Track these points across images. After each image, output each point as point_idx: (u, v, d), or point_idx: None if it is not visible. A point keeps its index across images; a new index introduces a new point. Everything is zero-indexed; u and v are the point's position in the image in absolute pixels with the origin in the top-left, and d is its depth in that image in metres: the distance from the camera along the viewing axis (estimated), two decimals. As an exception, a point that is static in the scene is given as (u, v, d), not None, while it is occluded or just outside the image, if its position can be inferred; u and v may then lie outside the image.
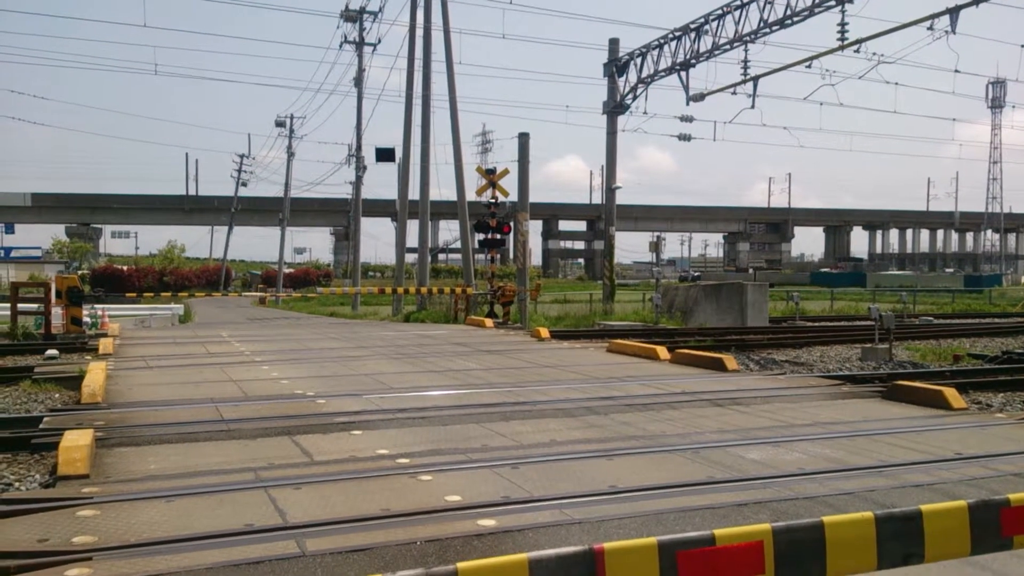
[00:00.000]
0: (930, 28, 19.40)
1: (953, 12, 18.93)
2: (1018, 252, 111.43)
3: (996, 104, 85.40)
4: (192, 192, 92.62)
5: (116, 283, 61.44)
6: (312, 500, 4.62)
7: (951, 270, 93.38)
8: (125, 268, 70.03)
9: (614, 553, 2.21)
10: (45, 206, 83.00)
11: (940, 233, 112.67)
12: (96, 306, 25.61)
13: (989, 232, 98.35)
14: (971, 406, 8.95)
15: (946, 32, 19.20)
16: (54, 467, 5.46)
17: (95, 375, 9.02)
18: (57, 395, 9.75)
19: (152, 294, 37.41)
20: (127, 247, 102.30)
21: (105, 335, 15.89)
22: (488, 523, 4.22)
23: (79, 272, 58.61)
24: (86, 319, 19.47)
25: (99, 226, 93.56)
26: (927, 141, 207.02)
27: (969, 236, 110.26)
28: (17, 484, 5.95)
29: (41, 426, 7.03)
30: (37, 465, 6.35)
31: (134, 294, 39.11)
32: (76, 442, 5.44)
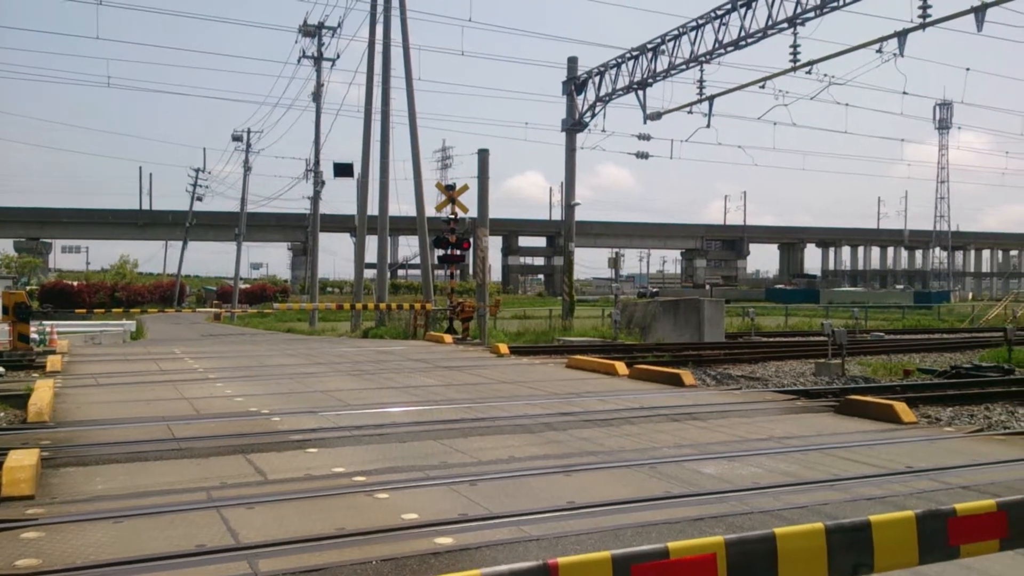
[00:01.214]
0: (879, 51, 19.92)
1: (901, 36, 19.47)
2: (965, 269, 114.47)
3: (943, 125, 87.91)
4: (146, 206, 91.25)
5: (66, 299, 59.99)
6: (266, 520, 4.55)
7: (901, 287, 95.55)
8: (75, 284, 68.42)
9: (568, 568, 2.21)
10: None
11: (891, 250, 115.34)
12: (45, 322, 25.00)
13: (937, 250, 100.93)
14: (921, 420, 9.15)
15: (894, 55, 19.72)
16: (-3, 488, 5.29)
17: (42, 393, 8.79)
18: (2, 414, 9.47)
19: (103, 310, 36.60)
20: (78, 262, 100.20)
21: (54, 352, 15.50)
22: (445, 541, 4.19)
23: (27, 288, 57.19)
24: (34, 336, 18.98)
25: (49, 241, 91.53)
26: (877, 161, 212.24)
27: (918, 253, 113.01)
28: (-42, 506, 5.76)
29: (-16, 446, 6.81)
30: (-21, 486, 6.16)
31: (84, 310, 38.19)
32: (21, 462, 5.28)
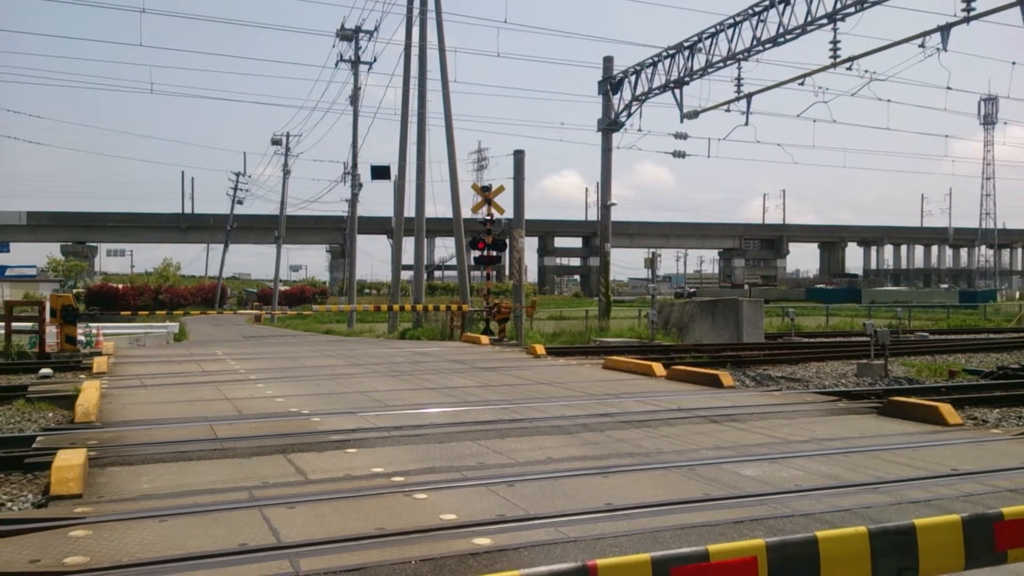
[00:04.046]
0: (921, 46, 19.55)
1: (944, 30, 19.09)
2: (1012, 267, 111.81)
3: (988, 121, 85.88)
4: (188, 210, 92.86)
5: (111, 301, 61.26)
6: (306, 519, 4.60)
7: (946, 286, 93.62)
8: (120, 286, 69.85)
9: (608, 569, 2.21)
10: (40, 224, 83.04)
11: (935, 249, 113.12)
12: (91, 325, 25.56)
13: (983, 248, 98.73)
14: (967, 422, 8.96)
15: (937, 49, 19.35)
16: (47, 487, 5.43)
17: (89, 394, 8.98)
18: (51, 414, 9.71)
19: (147, 312, 37.35)
20: (122, 265, 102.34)
21: (99, 354, 15.82)
22: (483, 541, 4.20)
23: (74, 290, 58.46)
24: (80, 338, 19.40)
25: (94, 244, 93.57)
26: (921, 157, 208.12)
27: (963, 252, 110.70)
28: (10, 504, 5.92)
29: (34, 445, 6.99)
30: (30, 485, 6.32)
31: (129, 312, 39.01)
32: (69, 461, 5.41)
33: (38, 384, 11.81)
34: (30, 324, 18.02)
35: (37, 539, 4.23)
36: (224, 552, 4.02)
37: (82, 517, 4.60)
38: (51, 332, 17.55)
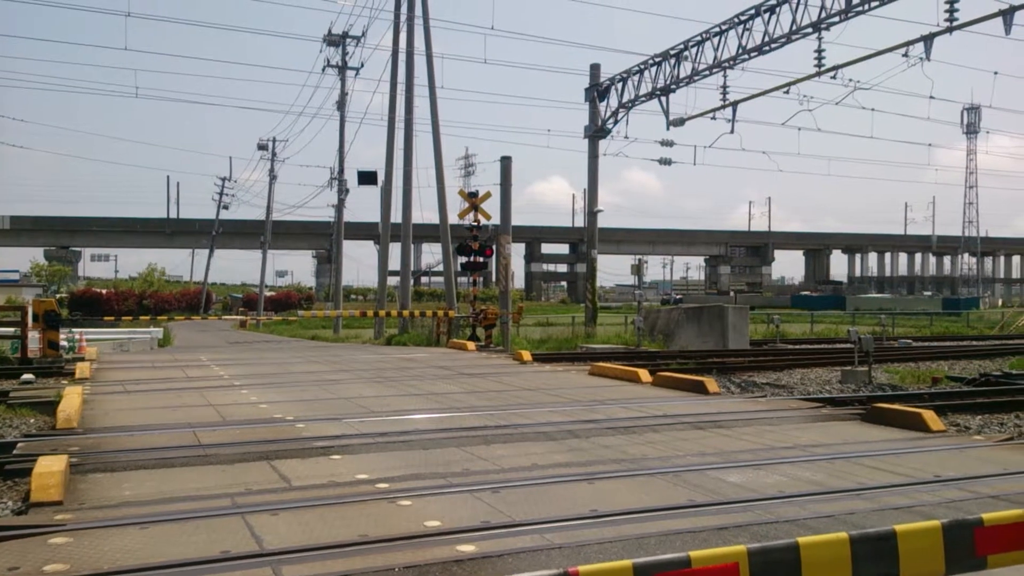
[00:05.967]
0: (905, 55, 19.73)
1: (927, 39, 19.27)
2: (995, 275, 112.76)
3: (971, 130, 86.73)
4: (173, 215, 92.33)
5: (95, 307, 60.84)
6: (289, 526, 4.58)
7: (929, 293, 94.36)
8: (104, 291, 69.41)
9: (590, 576, 2.21)
10: (24, 229, 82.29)
11: (918, 256, 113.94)
12: (74, 330, 25.34)
13: (966, 255, 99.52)
14: (950, 428, 9.02)
15: (921, 59, 19.53)
16: (27, 493, 5.37)
17: (71, 400, 8.91)
18: (32, 420, 9.61)
19: (131, 318, 37.06)
20: (107, 270, 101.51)
21: (82, 359, 15.71)
22: (467, 548, 4.19)
23: (57, 295, 58.03)
24: (63, 343, 19.22)
25: (78, 249, 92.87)
26: (905, 166, 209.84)
27: (947, 259, 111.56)
28: (-11, 511, 5.85)
29: (15, 452, 6.92)
30: (10, 492, 6.25)
31: (113, 318, 38.68)
32: (50, 468, 5.36)
33: (20, 389, 11.69)
34: (12, 329, 17.85)
35: (16, 546, 4.19)
36: (206, 559, 3.99)
37: (62, 524, 4.56)
38: (33, 337, 17.37)
